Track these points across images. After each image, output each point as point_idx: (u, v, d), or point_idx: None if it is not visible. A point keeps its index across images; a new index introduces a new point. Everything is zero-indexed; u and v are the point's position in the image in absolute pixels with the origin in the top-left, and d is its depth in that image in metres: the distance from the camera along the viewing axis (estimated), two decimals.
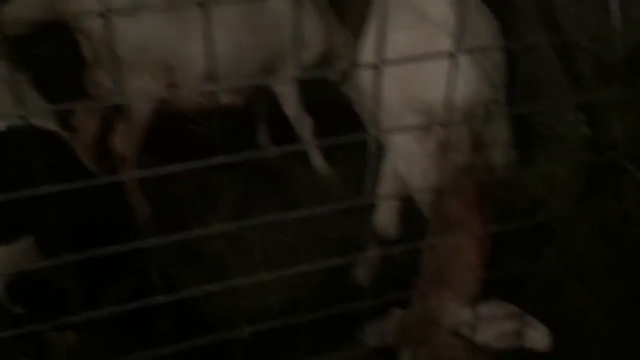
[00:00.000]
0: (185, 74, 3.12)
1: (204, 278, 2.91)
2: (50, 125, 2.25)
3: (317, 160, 3.82)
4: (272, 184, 3.71)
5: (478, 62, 2.37)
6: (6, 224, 1.98)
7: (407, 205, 2.55)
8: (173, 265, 3.02)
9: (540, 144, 1.99)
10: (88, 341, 2.38)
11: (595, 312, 2.28)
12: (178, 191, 3.63)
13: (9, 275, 2.01)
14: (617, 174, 1.83)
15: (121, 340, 2.24)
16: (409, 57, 1.43)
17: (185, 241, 3.23)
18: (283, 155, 3.94)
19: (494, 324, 1.90)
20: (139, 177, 3.39)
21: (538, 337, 1.90)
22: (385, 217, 2.56)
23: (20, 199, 1.61)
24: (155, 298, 1.72)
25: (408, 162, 2.34)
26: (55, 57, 3.36)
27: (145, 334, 2.04)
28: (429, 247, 1.70)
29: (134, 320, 1.98)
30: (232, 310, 2.70)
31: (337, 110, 4.11)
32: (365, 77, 2.75)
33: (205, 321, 2.24)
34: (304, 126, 3.68)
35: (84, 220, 1.98)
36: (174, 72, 3.13)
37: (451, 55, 1.44)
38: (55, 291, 2.01)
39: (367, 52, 2.66)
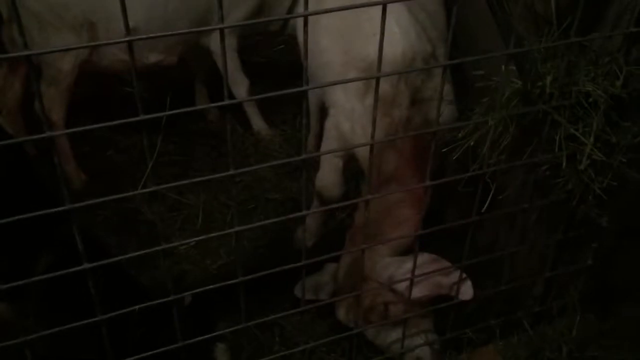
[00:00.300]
0: (108, 31, 2.98)
1: (146, 246, 2.85)
2: None
3: (256, 121, 3.73)
4: (213, 147, 3.64)
5: (417, 18, 2.35)
6: None
7: (350, 164, 2.54)
8: (114, 235, 2.95)
9: (475, 97, 1.99)
10: (22, 314, 2.30)
11: (528, 262, 2.35)
12: (115, 158, 3.53)
13: None
14: (549, 127, 1.86)
15: (56, 310, 2.17)
16: (339, 8, 1.40)
17: (125, 210, 3.16)
18: (223, 118, 3.86)
19: (426, 277, 1.93)
20: (72, 144, 3.27)
21: (463, 288, 1.95)
22: (328, 176, 2.54)
23: None
24: (82, 266, 1.67)
25: (350, 119, 2.32)
26: None
27: (81, 304, 1.99)
28: (365, 202, 1.70)
29: (69, 290, 1.93)
30: (175, 279, 2.66)
31: (279, 73, 4.05)
32: (299, 31, 2.69)
33: (143, 290, 2.19)
34: (240, 86, 3.55)
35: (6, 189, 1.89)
36: (96, 29, 2.98)
37: (382, 5, 1.42)
38: None
39: (300, 6, 2.59)
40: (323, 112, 2.91)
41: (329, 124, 2.51)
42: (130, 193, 1.56)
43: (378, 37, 1.46)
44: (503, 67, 1.84)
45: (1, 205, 1.81)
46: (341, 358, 2.37)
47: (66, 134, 3.21)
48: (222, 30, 1.28)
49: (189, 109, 1.40)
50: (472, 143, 1.84)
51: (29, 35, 2.93)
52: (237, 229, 1.63)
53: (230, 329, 1.95)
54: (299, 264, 1.71)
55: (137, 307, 1.79)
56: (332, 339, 2.12)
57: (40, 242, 2.00)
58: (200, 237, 1.64)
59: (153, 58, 3.25)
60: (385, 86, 2.12)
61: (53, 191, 2.25)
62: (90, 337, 1.96)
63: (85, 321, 1.70)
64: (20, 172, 2.06)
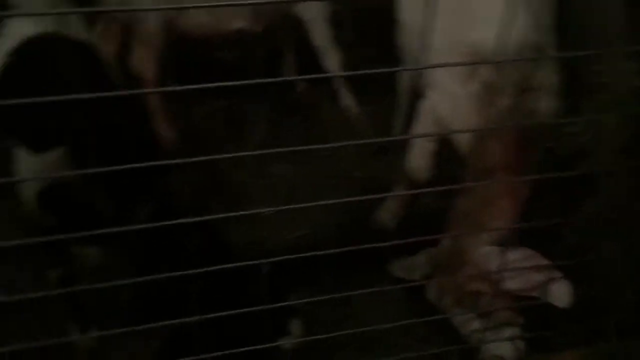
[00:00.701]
0: None
1: (227, 210, 2.89)
2: (81, 34, 2.20)
3: (345, 97, 3.67)
4: (300, 120, 3.65)
5: (530, 3, 2.25)
6: (39, 133, 1.96)
7: (442, 148, 2.49)
8: (198, 196, 3.01)
9: (587, 92, 1.90)
10: (114, 259, 2.39)
11: (626, 270, 2.24)
12: (204, 121, 3.60)
13: (41, 185, 2.00)
14: None
15: (146, 260, 2.24)
16: None
17: (210, 172, 3.24)
18: (311, 92, 3.86)
19: (522, 272, 1.88)
20: (164, 104, 3.35)
21: (559, 293, 1.87)
22: (419, 158, 2.50)
23: (53, 109, 1.57)
24: (183, 219, 1.71)
25: (450, 103, 2.26)
26: None
27: (170, 256, 2.05)
28: (465, 189, 1.66)
29: (160, 242, 1.98)
30: (255, 244, 2.70)
31: (371, 47, 3.98)
32: (405, 9, 2.63)
33: (230, 251, 2.23)
34: (331, 59, 3.48)
35: (114, 136, 1.95)
36: None
37: None
38: (86, 205, 2.01)
39: None
40: (414, 93, 2.86)
41: (425, 106, 2.46)
42: (223, 155, 1.57)
43: (487, 21, 1.40)
44: (623, 63, 1.74)
45: (111, 150, 1.88)
46: (415, 343, 2.35)
47: (158, 92, 3.32)
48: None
49: (281, 79, 1.38)
50: (584, 140, 1.76)
51: None
52: (319, 202, 1.61)
53: (306, 300, 1.95)
54: (380, 244, 1.69)
55: (224, 265, 1.81)
56: (407, 323, 2.10)
57: (141, 193, 2.04)
58: (282, 207, 1.63)
59: (237, 24, 3.23)
60: (492, 73, 2.05)
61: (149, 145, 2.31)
62: (175, 291, 2.02)
63: (173, 273, 1.73)
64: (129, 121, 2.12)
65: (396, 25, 2.83)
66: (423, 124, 2.45)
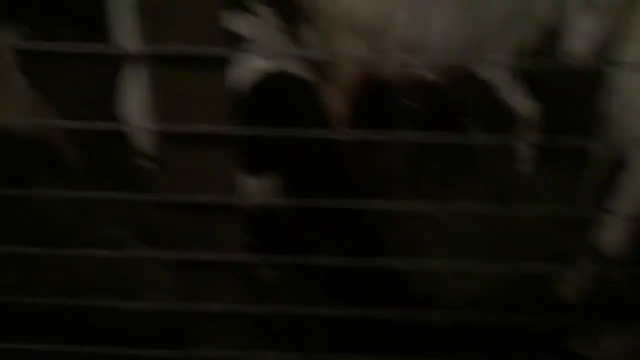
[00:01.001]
0: (392, 41, 3.07)
1: (400, 255, 2.89)
2: (305, 72, 2.38)
3: (527, 160, 3.53)
4: (477, 174, 3.58)
5: None
6: (261, 158, 2.13)
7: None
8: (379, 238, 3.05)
9: None
10: (289, 284, 2.49)
11: None
12: (384, 164, 3.66)
13: (250, 205, 2.17)
14: None
15: (318, 291, 2.31)
16: None
17: (383, 214, 3.28)
18: (493, 150, 3.78)
19: None
20: (354, 144, 3.47)
21: None
22: (614, 234, 2.35)
23: (278, 139, 1.71)
24: (370, 259, 1.76)
25: None
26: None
27: (352, 293, 2.09)
28: None
29: (344, 278, 2.04)
30: (426, 291, 2.67)
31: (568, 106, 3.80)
32: (627, 80, 2.47)
33: (406, 295, 2.24)
34: (521, 120, 3.38)
35: (324, 171, 2.08)
36: (381, 37, 3.09)
37: None
38: (282, 231, 2.15)
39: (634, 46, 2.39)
40: (613, 164, 2.69)
41: (627, 179, 2.32)
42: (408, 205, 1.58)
43: None
44: None
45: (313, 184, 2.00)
46: None
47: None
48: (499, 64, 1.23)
49: (463, 139, 1.38)
50: None
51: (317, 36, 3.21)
52: (498, 265, 1.57)
53: None
54: (568, 320, 1.60)
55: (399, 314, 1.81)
56: None
57: (329, 227, 2.13)
58: (461, 263, 1.60)
59: (423, 73, 3.29)
60: None
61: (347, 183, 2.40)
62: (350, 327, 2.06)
63: (353, 313, 1.76)
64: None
65: (601, 90, 2.71)
66: (621, 198, 2.31)
